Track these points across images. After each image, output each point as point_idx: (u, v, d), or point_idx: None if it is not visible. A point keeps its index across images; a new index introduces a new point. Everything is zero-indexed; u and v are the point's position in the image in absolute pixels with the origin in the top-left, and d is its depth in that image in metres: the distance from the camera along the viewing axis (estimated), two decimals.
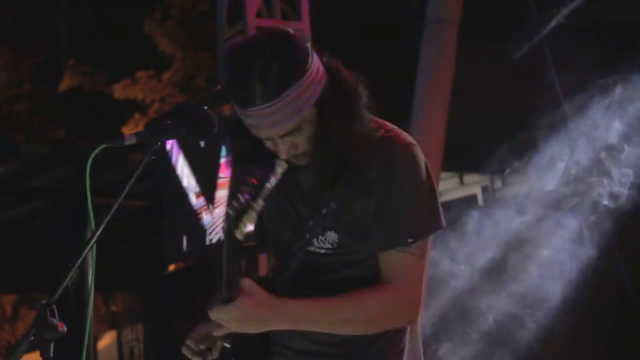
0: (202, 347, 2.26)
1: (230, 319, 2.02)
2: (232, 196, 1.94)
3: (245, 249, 4.87)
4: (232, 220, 1.89)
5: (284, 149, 2.15)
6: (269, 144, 2.17)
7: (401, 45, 5.50)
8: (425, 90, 5.54)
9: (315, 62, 2.15)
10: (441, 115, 5.57)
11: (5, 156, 7.75)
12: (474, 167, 7.56)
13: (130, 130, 13.65)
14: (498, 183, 8.17)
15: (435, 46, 5.51)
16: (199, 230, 5.20)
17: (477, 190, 8.29)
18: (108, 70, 14.51)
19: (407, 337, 2.26)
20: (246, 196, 1.89)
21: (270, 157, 2.20)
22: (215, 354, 2.23)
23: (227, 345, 2.17)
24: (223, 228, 1.94)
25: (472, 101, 6.16)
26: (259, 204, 1.90)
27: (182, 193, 5.34)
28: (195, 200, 5.25)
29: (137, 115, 14.09)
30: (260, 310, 2.03)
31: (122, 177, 7.49)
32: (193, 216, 5.24)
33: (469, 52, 5.80)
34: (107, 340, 13.19)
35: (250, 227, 1.91)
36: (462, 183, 8.45)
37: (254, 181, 1.92)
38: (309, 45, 2.16)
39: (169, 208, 5.51)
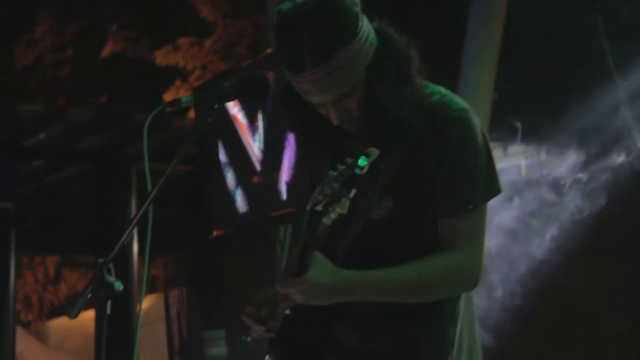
0: (263, 313, 2.28)
1: (300, 292, 2.04)
2: (323, 182, 1.92)
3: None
4: (323, 205, 1.88)
5: (336, 114, 2.16)
6: (321, 110, 2.18)
7: (449, 12, 5.44)
8: (472, 59, 5.49)
9: (366, 26, 2.14)
10: (488, 85, 5.53)
11: (51, 119, 7.82)
12: (519, 137, 7.50)
13: (171, 97, 13.71)
14: (542, 154, 8.09)
15: (484, 14, 5.45)
16: (247, 195, 5.22)
17: (520, 161, 8.22)
18: (150, 37, 14.54)
19: (462, 303, 2.27)
20: (338, 184, 1.87)
21: (322, 124, 2.21)
22: (276, 321, 2.25)
23: (288, 313, 2.19)
24: (308, 209, 1.93)
25: (519, 70, 6.09)
26: (352, 193, 1.88)
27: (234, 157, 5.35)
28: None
29: (178, 82, 14.13)
30: (330, 284, 2.05)
31: (166, 142, 7.58)
32: (243, 181, 5.25)
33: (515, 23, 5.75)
34: (146, 304, 13.35)
35: (342, 212, 1.90)
36: (505, 154, 8.37)
37: (344, 168, 1.89)
38: (359, 8, 2.15)
39: (216, 173, 5.52)
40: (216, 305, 7.59)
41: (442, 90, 2.25)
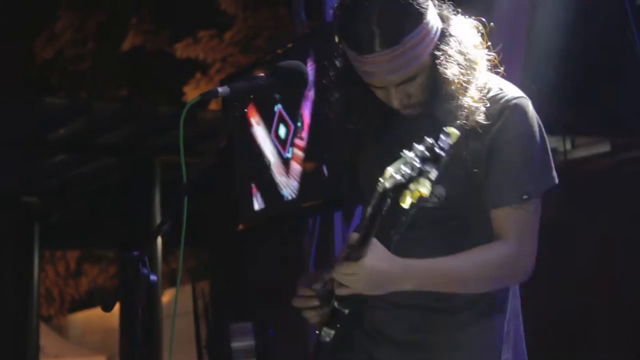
0: (314, 298, 2.25)
1: (357, 279, 1.99)
2: (396, 162, 1.86)
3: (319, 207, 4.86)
4: (398, 186, 1.82)
5: (397, 98, 2.12)
6: (380, 93, 2.14)
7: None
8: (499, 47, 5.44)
9: (432, 9, 2.10)
10: (513, 76, 5.47)
11: (75, 113, 7.83)
12: (546, 128, 7.46)
13: (191, 90, 13.72)
14: (568, 145, 8.04)
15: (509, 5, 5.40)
16: (273, 187, 5.17)
17: None
18: (170, 30, 14.55)
19: (510, 295, 2.24)
20: (418, 163, 1.81)
21: (376, 108, 2.17)
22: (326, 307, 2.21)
23: (341, 309, 2.13)
24: (378, 191, 1.87)
25: (544, 59, 6.04)
26: (434, 173, 1.81)
27: (257, 149, 5.30)
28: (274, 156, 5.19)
29: (198, 75, 14.13)
30: (387, 270, 2.00)
31: (191, 135, 7.57)
32: (267, 173, 5.20)
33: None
34: (169, 297, 13.39)
35: (423, 193, 1.82)
36: None
37: (423, 148, 1.83)
38: None
39: (242, 164, 5.48)
40: (243, 298, 7.59)
41: (497, 77, 2.22)
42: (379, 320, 2.23)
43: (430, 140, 1.84)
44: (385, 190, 1.85)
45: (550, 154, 2.19)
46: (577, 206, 6.89)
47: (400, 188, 1.83)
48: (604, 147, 8.12)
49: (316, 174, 4.76)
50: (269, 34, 13.36)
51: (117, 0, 15.01)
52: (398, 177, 1.83)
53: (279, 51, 4.98)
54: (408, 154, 1.85)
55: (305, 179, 4.89)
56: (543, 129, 2.18)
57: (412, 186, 1.82)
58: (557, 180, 2.18)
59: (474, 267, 2.09)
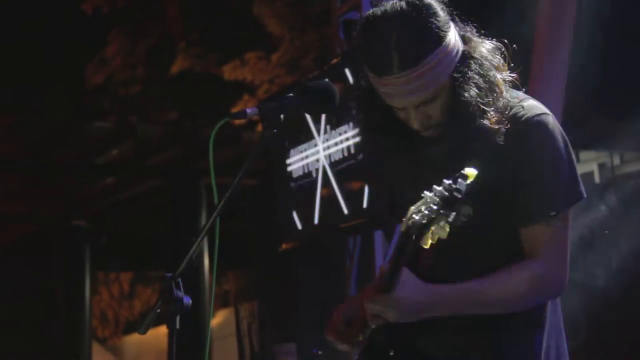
0: (347, 329, 2.26)
1: (389, 309, 2.02)
2: (419, 202, 1.89)
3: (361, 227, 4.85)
4: (419, 227, 1.86)
5: (417, 119, 2.12)
6: (401, 114, 2.15)
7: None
8: (541, 63, 5.39)
9: (453, 31, 2.10)
10: (558, 90, 5.42)
11: (122, 136, 7.92)
12: (591, 143, 7.36)
13: None
14: (616, 160, 7.92)
15: (553, 17, 5.36)
16: (312, 208, 5.19)
17: (593, 168, 8.06)
18: (218, 52, 14.68)
19: (548, 310, 2.21)
20: (436, 206, 1.84)
21: (399, 129, 2.17)
22: (363, 335, 2.21)
23: (376, 336, 2.15)
24: (401, 230, 1.90)
25: (590, 73, 5.98)
26: (452, 216, 1.84)
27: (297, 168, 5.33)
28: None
29: (246, 96, 14.23)
30: (419, 300, 2.03)
31: (236, 156, 7.61)
32: (306, 193, 5.22)
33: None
34: (219, 318, 13.40)
35: (442, 236, 1.86)
36: (578, 160, 8.21)
37: (442, 189, 1.85)
38: (447, 13, 2.11)
39: (283, 185, 5.51)
40: (287, 319, 7.58)
41: (521, 94, 2.20)
42: (412, 338, 2.22)
43: (448, 181, 1.86)
44: (407, 230, 1.88)
45: (576, 168, 2.17)
46: (626, 222, 6.77)
47: (421, 229, 1.86)
48: None
49: (357, 193, 4.77)
50: (316, 54, 13.41)
51: (165, 25, 15.20)
52: (417, 217, 1.86)
53: (315, 72, 5.01)
54: (428, 194, 1.87)
55: (346, 199, 4.89)
56: (569, 144, 2.16)
57: (433, 227, 1.85)
58: (585, 195, 2.15)
59: (505, 288, 2.09)
